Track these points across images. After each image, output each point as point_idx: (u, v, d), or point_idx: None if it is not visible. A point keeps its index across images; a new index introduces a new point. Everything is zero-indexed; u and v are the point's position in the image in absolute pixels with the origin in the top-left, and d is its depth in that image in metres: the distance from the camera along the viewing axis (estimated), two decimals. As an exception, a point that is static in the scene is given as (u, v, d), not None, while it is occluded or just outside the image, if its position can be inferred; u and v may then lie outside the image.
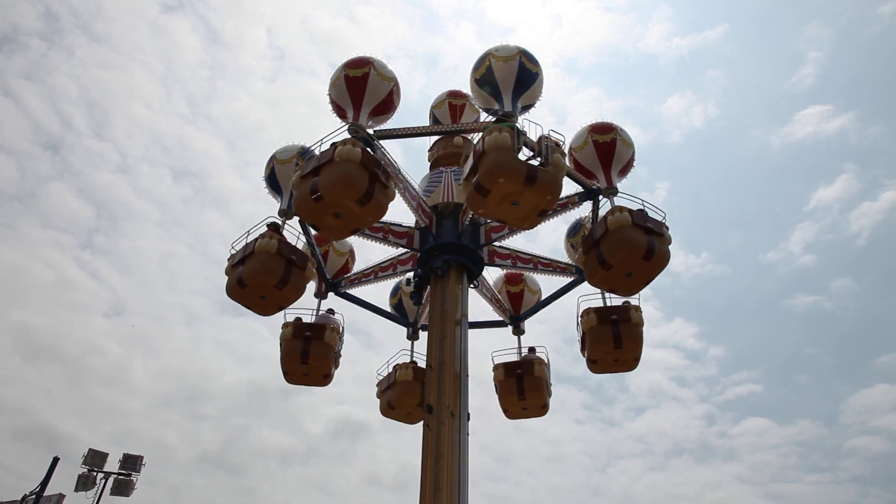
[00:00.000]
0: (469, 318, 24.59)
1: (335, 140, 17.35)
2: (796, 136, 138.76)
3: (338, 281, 23.96)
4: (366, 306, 24.31)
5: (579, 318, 20.97)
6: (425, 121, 25.90)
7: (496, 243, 22.03)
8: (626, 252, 17.49)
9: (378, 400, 24.17)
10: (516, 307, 24.96)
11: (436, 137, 24.56)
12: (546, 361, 23.21)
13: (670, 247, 18.16)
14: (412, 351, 24.37)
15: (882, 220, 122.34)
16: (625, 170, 20.74)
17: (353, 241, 24.13)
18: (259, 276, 18.26)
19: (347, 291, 23.93)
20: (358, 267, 24.59)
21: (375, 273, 23.73)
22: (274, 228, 19.47)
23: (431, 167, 24.01)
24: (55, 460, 20.69)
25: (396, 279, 24.26)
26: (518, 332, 24.46)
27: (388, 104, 19.91)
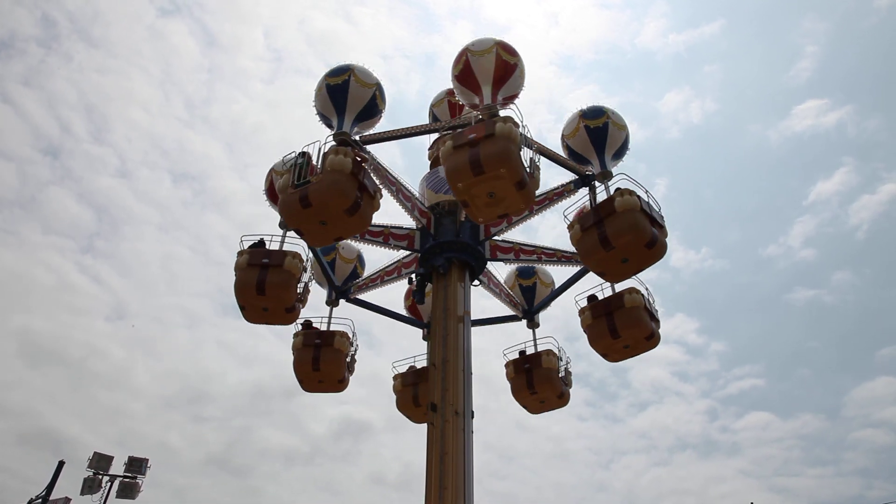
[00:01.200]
0: (483, 315, 24.78)
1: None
2: (794, 129, 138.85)
3: (347, 288, 24.03)
4: (379, 311, 24.43)
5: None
6: (425, 120, 25.90)
7: (497, 238, 21.91)
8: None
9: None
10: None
11: (436, 136, 24.58)
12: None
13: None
14: (329, 317, 23.58)
15: (882, 212, 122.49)
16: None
17: (358, 246, 24.19)
18: (331, 196, 16.52)
19: (357, 297, 23.99)
20: (369, 270, 24.57)
21: (381, 277, 23.77)
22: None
23: (431, 166, 24.05)
24: (60, 464, 20.78)
25: (403, 281, 24.26)
26: (533, 325, 24.19)
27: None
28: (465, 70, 18.45)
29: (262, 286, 18.98)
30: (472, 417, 17.74)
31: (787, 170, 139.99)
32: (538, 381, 22.38)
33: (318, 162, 17.33)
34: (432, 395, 17.85)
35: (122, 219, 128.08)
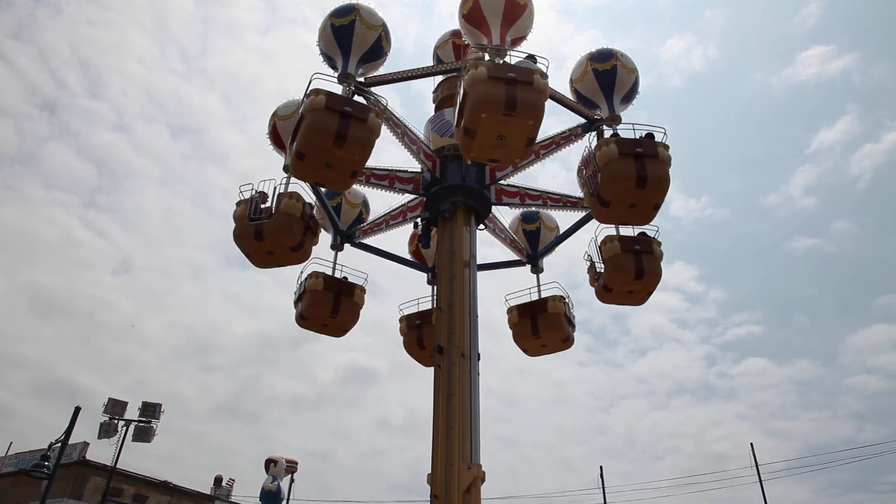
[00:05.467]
0: (487, 260, 25.00)
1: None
2: (798, 77, 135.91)
3: (352, 232, 23.88)
4: (384, 255, 24.26)
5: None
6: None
7: (503, 182, 21.78)
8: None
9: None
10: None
11: (440, 79, 24.11)
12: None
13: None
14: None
15: (884, 161, 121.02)
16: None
17: (363, 190, 24.00)
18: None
19: (363, 242, 23.85)
20: (372, 216, 24.37)
21: (387, 221, 23.59)
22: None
23: (436, 109, 23.64)
24: (77, 409, 21.20)
25: (407, 229, 24.20)
26: (536, 270, 24.22)
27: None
28: (473, 8, 18.06)
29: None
30: (479, 360, 17.88)
31: (790, 118, 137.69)
32: (543, 327, 22.43)
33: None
34: (439, 338, 17.99)
35: (122, 173, 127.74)
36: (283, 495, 43.80)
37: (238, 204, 19.50)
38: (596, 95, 20.05)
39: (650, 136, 18.31)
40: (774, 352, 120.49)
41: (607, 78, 19.80)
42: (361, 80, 19.33)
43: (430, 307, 23.89)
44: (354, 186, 22.87)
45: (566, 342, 23.09)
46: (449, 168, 20.85)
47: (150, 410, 30.01)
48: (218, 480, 44.61)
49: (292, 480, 40.95)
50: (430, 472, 16.09)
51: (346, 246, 23.84)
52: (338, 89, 18.07)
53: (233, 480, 45.17)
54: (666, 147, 17.86)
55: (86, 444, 35.49)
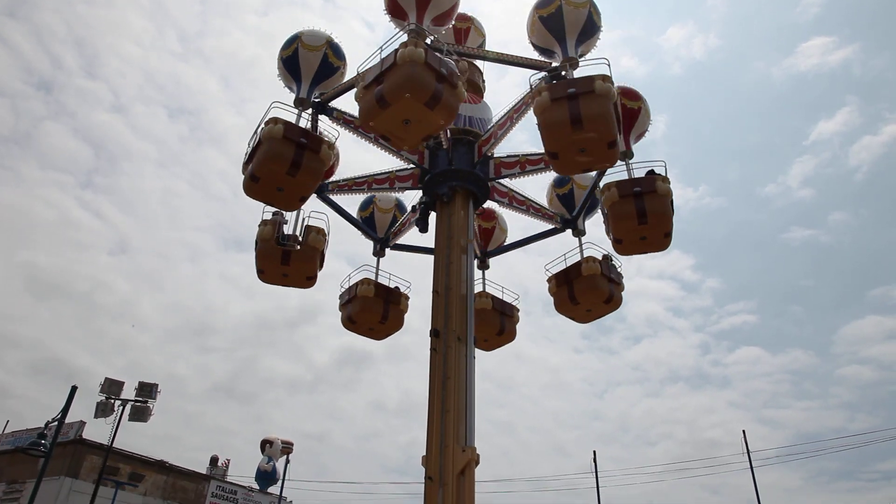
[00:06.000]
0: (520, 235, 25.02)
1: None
2: (799, 68, 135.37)
3: (324, 184, 22.65)
4: (342, 213, 23.49)
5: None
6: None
7: (500, 155, 21.33)
8: (623, 224, 18.39)
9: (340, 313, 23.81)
10: (485, 242, 25.24)
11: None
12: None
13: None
14: (377, 268, 23.79)
15: (883, 154, 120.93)
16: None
17: (364, 147, 24.15)
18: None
19: (331, 197, 22.82)
20: (344, 172, 23.77)
21: (369, 184, 22.72)
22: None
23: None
24: (73, 389, 21.25)
25: (392, 194, 24.16)
26: (578, 233, 23.17)
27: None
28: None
29: (287, 258, 20.41)
30: (475, 343, 17.92)
31: (789, 109, 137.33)
32: (580, 291, 21.53)
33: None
34: (435, 321, 18.00)
35: (119, 154, 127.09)
36: (278, 475, 44.22)
37: (263, 224, 20.70)
38: (549, 43, 19.24)
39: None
40: (768, 341, 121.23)
41: (553, 22, 18.88)
42: (318, 99, 20.32)
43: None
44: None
45: (611, 303, 21.71)
46: (438, 155, 20.85)
47: (147, 390, 30.02)
48: (214, 460, 44.89)
49: (288, 461, 41.25)
50: (424, 454, 16.15)
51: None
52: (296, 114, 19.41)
53: (228, 460, 45.49)
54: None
55: (82, 424, 35.63)
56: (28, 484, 33.57)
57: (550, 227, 23.57)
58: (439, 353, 17.23)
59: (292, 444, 45.59)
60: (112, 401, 29.58)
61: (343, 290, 23.43)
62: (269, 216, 20.88)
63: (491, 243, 25.35)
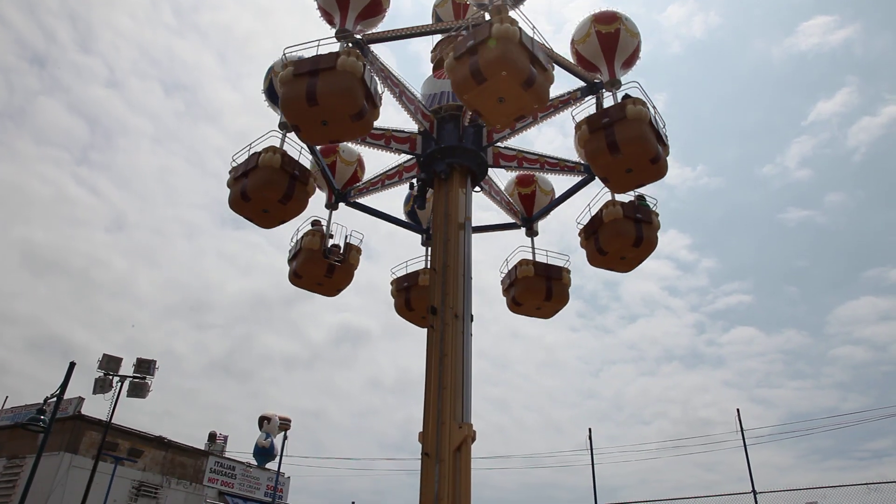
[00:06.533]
0: (482, 223, 24.73)
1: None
2: (799, 47, 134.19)
3: (347, 191, 23.86)
4: (378, 215, 24.18)
5: (602, 209, 20.49)
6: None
7: (500, 144, 21.57)
8: (640, 146, 16.79)
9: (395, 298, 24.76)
10: (528, 208, 24.44)
11: (438, 39, 23.71)
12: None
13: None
14: (426, 256, 24.14)
15: (881, 135, 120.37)
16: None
17: (358, 149, 23.94)
18: (263, 191, 18.60)
19: (357, 201, 23.80)
20: (368, 175, 24.32)
21: (382, 181, 23.50)
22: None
23: (434, 69, 23.27)
24: (72, 365, 21.29)
25: (401, 189, 24.08)
26: (531, 233, 23.98)
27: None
28: None
29: (332, 272, 21.73)
30: (472, 321, 17.96)
31: (789, 88, 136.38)
32: (604, 241, 20.27)
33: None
34: (432, 299, 18.04)
35: (115, 130, 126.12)
36: (276, 451, 44.58)
37: (310, 234, 21.66)
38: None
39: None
40: (763, 321, 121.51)
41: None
42: (359, 36, 19.00)
43: (419, 268, 24.05)
44: (349, 145, 23.15)
45: (642, 245, 20.02)
46: (446, 128, 20.64)
47: (145, 367, 30.09)
48: (212, 436, 45.17)
49: (285, 437, 41.48)
50: (421, 430, 16.26)
51: (343, 209, 23.75)
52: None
53: (226, 436, 45.77)
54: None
55: (81, 400, 35.77)
56: (28, 459, 33.82)
57: (579, 178, 22.43)
58: (436, 330, 17.28)
59: (290, 421, 45.82)
60: (110, 377, 29.63)
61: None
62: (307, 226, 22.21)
63: (535, 207, 24.42)
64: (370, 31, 19.57)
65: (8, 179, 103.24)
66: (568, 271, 22.62)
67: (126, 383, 29.58)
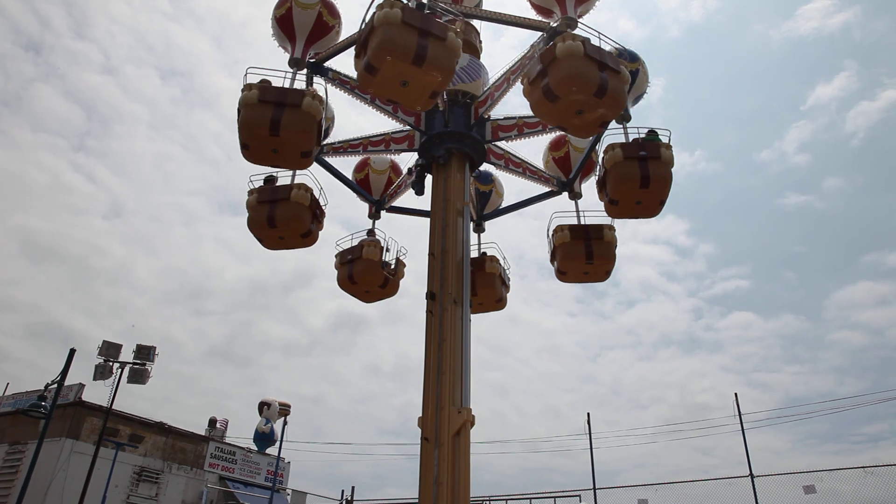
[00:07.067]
0: (515, 198, 25.02)
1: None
2: (798, 31, 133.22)
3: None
4: (337, 176, 23.23)
5: (600, 157, 19.60)
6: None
7: (499, 117, 21.14)
8: (624, 185, 17.52)
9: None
10: (566, 171, 23.22)
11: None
12: (612, 225, 21.46)
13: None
14: (373, 229, 23.81)
15: (880, 120, 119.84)
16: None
17: (360, 110, 24.08)
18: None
19: (326, 159, 22.57)
20: (339, 135, 23.63)
21: (364, 146, 22.58)
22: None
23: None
24: (72, 352, 21.37)
25: (387, 156, 24.05)
26: (574, 196, 22.80)
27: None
28: None
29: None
30: (470, 306, 17.97)
31: (787, 73, 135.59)
32: (612, 189, 18.88)
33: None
34: (431, 284, 18.02)
35: (111, 117, 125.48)
36: (276, 437, 44.74)
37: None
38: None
39: (651, 131, 18.66)
40: (761, 306, 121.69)
41: None
42: (313, 60, 20.02)
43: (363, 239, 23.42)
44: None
45: (650, 185, 18.35)
46: (434, 117, 20.56)
47: (145, 353, 30.14)
48: (213, 422, 45.34)
49: (285, 423, 41.62)
50: (420, 415, 16.30)
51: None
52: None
53: (226, 420, 45.96)
54: (669, 148, 18.06)
55: (82, 386, 35.85)
56: (30, 445, 33.94)
57: (546, 189, 23.33)
58: (435, 315, 17.28)
59: (289, 406, 45.91)
60: (110, 363, 29.70)
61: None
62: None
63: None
64: (323, 50, 20.37)
65: (5, 167, 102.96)
66: (611, 227, 20.81)
67: (126, 370, 29.66)
